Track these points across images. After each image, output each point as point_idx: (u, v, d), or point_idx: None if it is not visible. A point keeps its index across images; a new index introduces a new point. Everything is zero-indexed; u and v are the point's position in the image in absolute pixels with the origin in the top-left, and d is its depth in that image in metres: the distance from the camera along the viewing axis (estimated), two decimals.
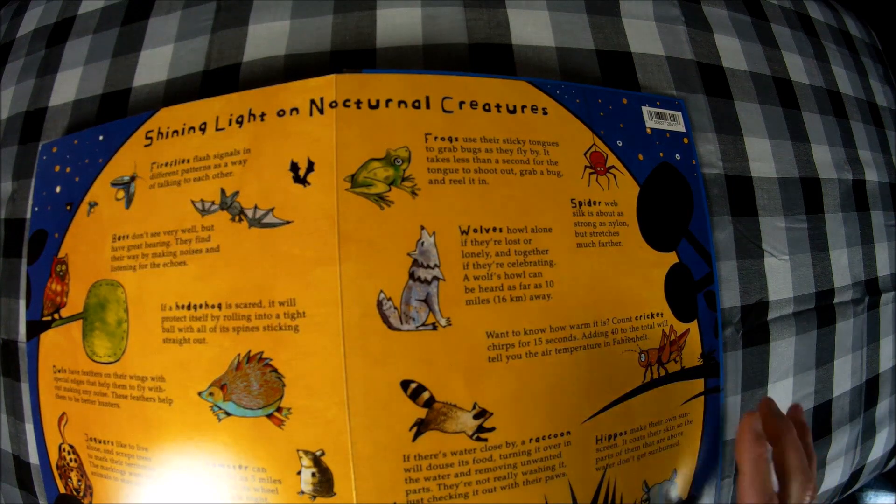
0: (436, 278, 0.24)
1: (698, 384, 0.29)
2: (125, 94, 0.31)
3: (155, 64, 0.31)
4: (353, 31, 0.30)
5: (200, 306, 0.25)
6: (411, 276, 0.24)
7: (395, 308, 0.24)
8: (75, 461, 0.29)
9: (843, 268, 0.36)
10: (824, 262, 0.34)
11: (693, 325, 0.29)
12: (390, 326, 0.24)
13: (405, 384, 0.24)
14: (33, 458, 0.32)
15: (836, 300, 0.35)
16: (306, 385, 0.24)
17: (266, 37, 0.30)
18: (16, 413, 0.33)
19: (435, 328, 0.24)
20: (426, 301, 0.24)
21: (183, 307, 0.26)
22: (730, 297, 0.31)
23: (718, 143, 0.31)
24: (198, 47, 0.31)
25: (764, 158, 0.33)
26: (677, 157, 0.30)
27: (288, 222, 0.25)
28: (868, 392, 0.38)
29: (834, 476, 0.38)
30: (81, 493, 0.29)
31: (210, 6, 0.31)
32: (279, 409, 0.25)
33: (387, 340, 0.24)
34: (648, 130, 0.29)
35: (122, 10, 0.33)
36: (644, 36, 0.32)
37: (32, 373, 0.30)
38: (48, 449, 0.30)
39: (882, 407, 0.40)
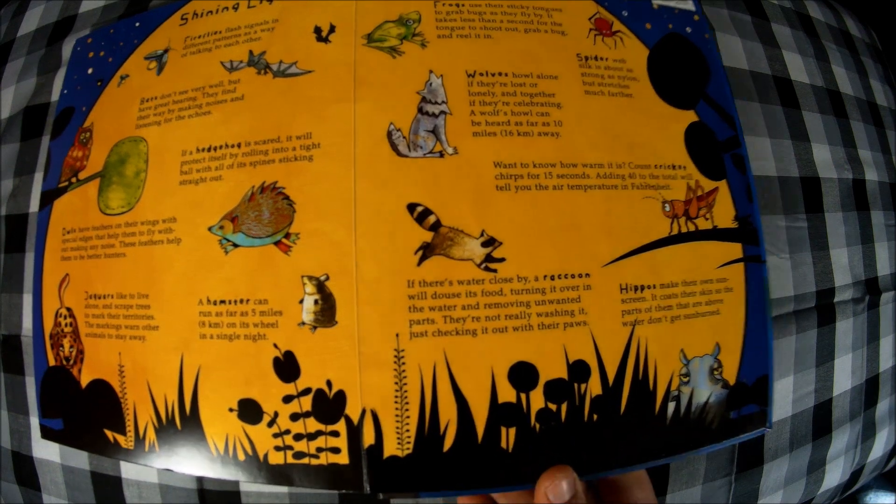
0: (443, 112, 0.25)
1: (735, 248, 0.27)
2: None
3: None
4: None
5: (220, 147, 0.26)
6: (420, 110, 0.25)
7: (404, 137, 0.25)
8: (70, 325, 0.28)
9: (844, 267, 0.35)
10: (825, 260, 0.34)
11: (722, 185, 0.27)
12: (399, 153, 0.25)
13: (411, 207, 0.24)
14: (36, 452, 0.31)
15: (836, 299, 0.35)
16: (316, 208, 0.25)
17: None
18: (17, 408, 0.32)
19: (442, 156, 0.25)
20: (433, 132, 0.25)
21: (203, 150, 0.27)
22: None
23: None
24: None
25: (764, 157, 0.33)
26: (688, 29, 0.30)
27: (309, 71, 0.27)
28: (868, 391, 0.37)
29: (834, 476, 0.36)
30: (72, 361, 0.28)
31: None
32: (287, 235, 0.25)
33: (395, 166, 0.25)
34: (655, 6, 0.30)
35: (122, 6, 0.35)
36: None
37: (40, 241, 0.30)
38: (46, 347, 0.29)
39: (882, 406, 0.38)
